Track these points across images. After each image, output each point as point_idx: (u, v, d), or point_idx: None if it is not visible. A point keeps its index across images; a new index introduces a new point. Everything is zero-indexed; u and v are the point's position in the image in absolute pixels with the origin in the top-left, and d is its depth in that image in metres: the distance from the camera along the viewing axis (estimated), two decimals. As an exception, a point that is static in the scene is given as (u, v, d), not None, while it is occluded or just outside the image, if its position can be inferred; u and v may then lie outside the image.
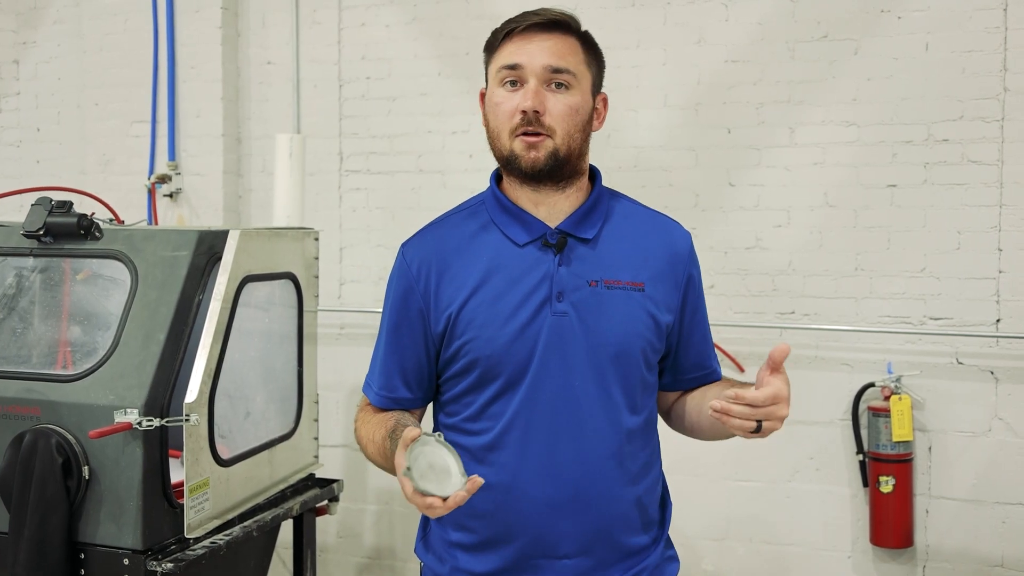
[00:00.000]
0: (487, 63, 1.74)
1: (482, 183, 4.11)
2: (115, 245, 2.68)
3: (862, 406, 3.54)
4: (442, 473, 1.46)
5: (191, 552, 2.48)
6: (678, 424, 1.90)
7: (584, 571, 1.71)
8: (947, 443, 3.48)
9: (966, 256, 3.43)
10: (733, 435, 1.66)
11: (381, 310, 1.84)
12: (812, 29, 3.57)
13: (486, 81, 1.74)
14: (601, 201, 1.77)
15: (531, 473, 1.67)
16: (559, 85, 1.65)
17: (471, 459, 1.70)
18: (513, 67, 1.65)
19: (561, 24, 1.67)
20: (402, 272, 1.77)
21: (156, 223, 4.25)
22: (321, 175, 4.21)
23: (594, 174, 1.81)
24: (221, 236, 2.67)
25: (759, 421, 1.52)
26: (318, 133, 4.19)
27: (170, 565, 2.40)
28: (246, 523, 2.68)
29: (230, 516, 2.61)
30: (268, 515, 2.79)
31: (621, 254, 1.73)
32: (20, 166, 4.71)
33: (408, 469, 1.44)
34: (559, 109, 1.65)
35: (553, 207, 1.73)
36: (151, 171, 4.31)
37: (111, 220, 3.08)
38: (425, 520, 1.87)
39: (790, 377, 1.56)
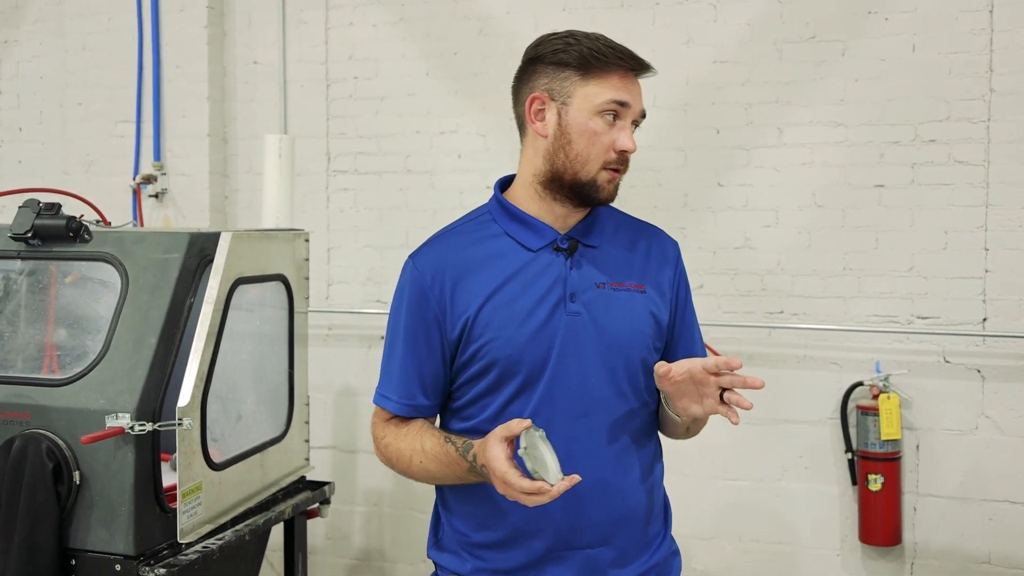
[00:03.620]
0: (563, 76, 1.73)
1: (470, 183, 4.13)
2: (105, 248, 2.66)
3: (851, 405, 3.56)
4: (540, 465, 1.53)
5: (183, 557, 2.46)
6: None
7: (607, 561, 1.77)
8: (935, 441, 3.51)
9: (953, 256, 3.46)
10: (681, 421, 1.80)
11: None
12: (800, 30, 3.58)
13: (558, 93, 1.73)
14: (601, 212, 1.86)
15: None
16: (635, 126, 1.76)
17: None
18: (623, 104, 1.72)
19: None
20: (415, 281, 1.79)
21: (141, 224, 4.22)
22: (308, 176, 4.19)
23: None
24: (212, 238, 2.66)
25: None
26: (305, 133, 4.17)
27: (163, 571, 2.39)
28: (238, 527, 2.67)
29: (222, 520, 2.60)
30: (260, 519, 2.77)
31: (621, 259, 1.82)
32: (1, 166, 4.66)
33: (525, 449, 1.52)
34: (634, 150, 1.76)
35: (566, 218, 1.80)
36: (136, 171, 4.28)
37: (98, 222, 3.06)
38: (436, 522, 1.90)
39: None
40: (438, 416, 1.89)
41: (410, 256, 1.83)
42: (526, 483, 1.51)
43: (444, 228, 1.88)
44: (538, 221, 1.79)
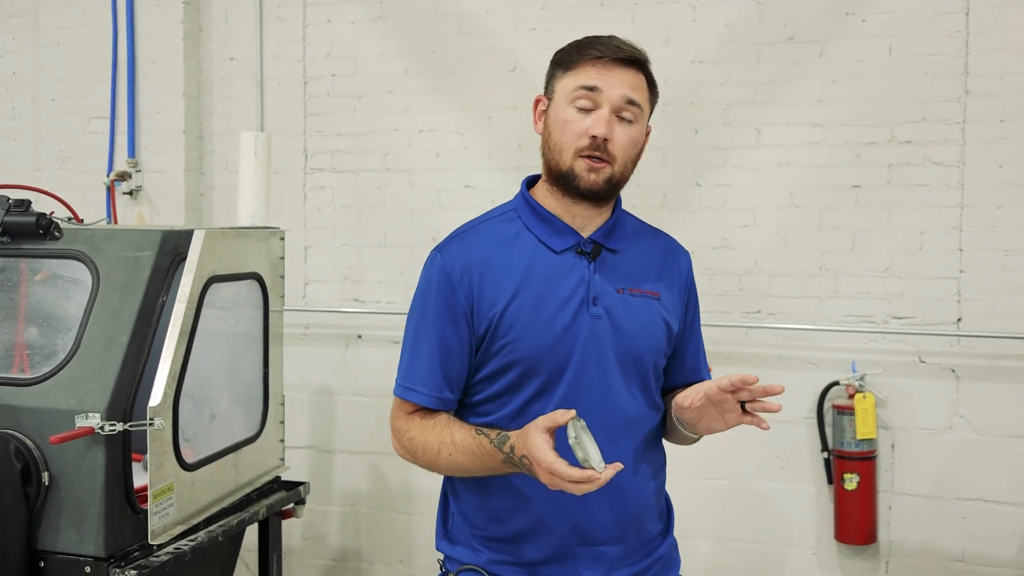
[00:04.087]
0: (554, 75, 1.82)
1: (448, 182, 4.12)
2: (76, 245, 2.63)
3: (827, 404, 3.57)
4: (587, 454, 1.57)
5: (155, 559, 2.43)
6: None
7: (617, 558, 1.81)
8: (910, 440, 3.52)
9: (928, 256, 3.47)
10: (695, 439, 1.88)
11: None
12: (778, 31, 3.59)
13: (549, 91, 1.83)
14: (622, 218, 1.90)
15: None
16: (625, 118, 1.76)
17: None
18: (592, 89, 1.74)
19: (637, 62, 1.78)
20: (444, 275, 1.80)
21: (115, 222, 4.18)
22: (285, 173, 4.16)
23: None
24: (185, 236, 2.62)
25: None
26: (282, 131, 4.14)
27: (133, 572, 2.36)
28: (211, 528, 2.64)
29: (195, 521, 2.58)
30: (234, 519, 2.75)
31: (640, 266, 1.87)
32: (-26, 162, 4.61)
33: (575, 439, 1.56)
34: (623, 140, 1.76)
35: (587, 220, 1.84)
36: (110, 168, 4.24)
37: (70, 219, 3.02)
38: (444, 514, 1.92)
39: (757, 376, 1.71)
40: None
41: (436, 250, 1.85)
42: (576, 472, 1.54)
43: (470, 222, 1.90)
44: (560, 221, 1.82)
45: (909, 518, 3.53)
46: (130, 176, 4.21)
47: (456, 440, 1.75)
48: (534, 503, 1.77)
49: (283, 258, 3.10)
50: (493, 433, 1.72)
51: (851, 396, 3.48)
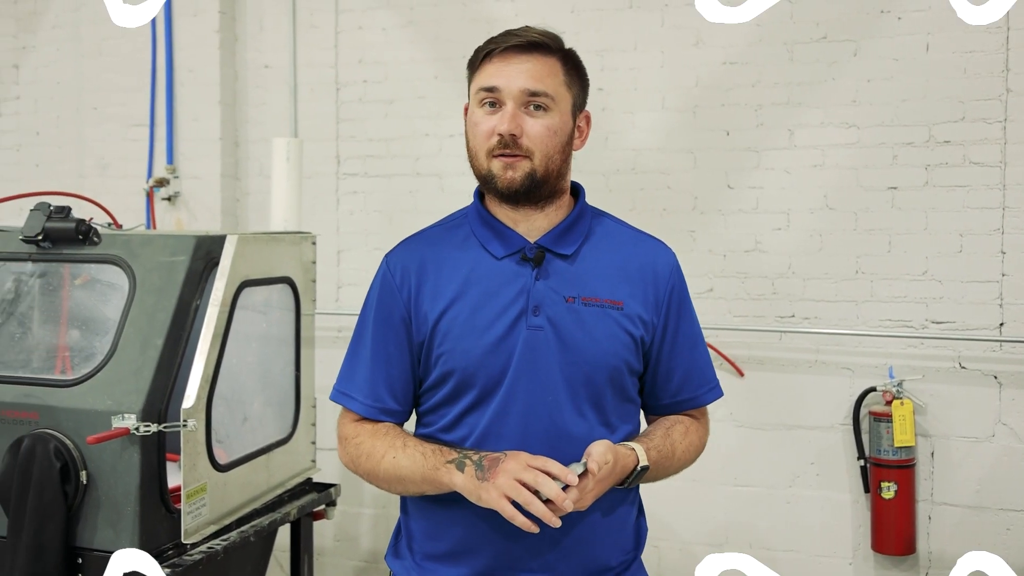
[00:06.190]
0: (469, 80, 1.74)
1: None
2: (113, 250, 2.67)
3: (863, 411, 3.51)
4: None
5: (188, 557, 2.46)
6: None
7: None
8: (950, 448, 3.46)
9: (968, 259, 3.41)
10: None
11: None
12: (811, 30, 3.55)
13: (469, 97, 1.75)
14: (583, 219, 1.78)
15: None
16: (537, 107, 1.66)
17: None
18: (491, 89, 1.67)
19: (541, 45, 1.68)
20: (385, 281, 1.77)
21: (154, 227, 4.24)
22: (318, 178, 4.20)
23: (578, 192, 1.81)
24: (219, 241, 2.66)
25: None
26: (315, 136, 4.17)
27: (167, 570, 2.38)
28: (243, 528, 2.66)
29: (227, 521, 2.60)
30: (265, 520, 2.77)
31: (600, 272, 1.73)
32: (19, 170, 4.70)
33: None
34: (536, 131, 1.66)
35: (532, 224, 1.74)
36: (149, 175, 4.31)
37: (109, 224, 3.07)
38: (398, 529, 1.88)
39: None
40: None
41: (386, 254, 1.82)
42: (541, 499, 1.54)
43: (423, 228, 1.85)
44: (504, 226, 1.74)
45: (949, 529, 3.46)
46: (168, 182, 4.28)
47: (408, 444, 1.69)
48: (461, 520, 1.69)
49: (314, 262, 3.12)
50: (454, 449, 1.66)
51: (888, 403, 3.42)
